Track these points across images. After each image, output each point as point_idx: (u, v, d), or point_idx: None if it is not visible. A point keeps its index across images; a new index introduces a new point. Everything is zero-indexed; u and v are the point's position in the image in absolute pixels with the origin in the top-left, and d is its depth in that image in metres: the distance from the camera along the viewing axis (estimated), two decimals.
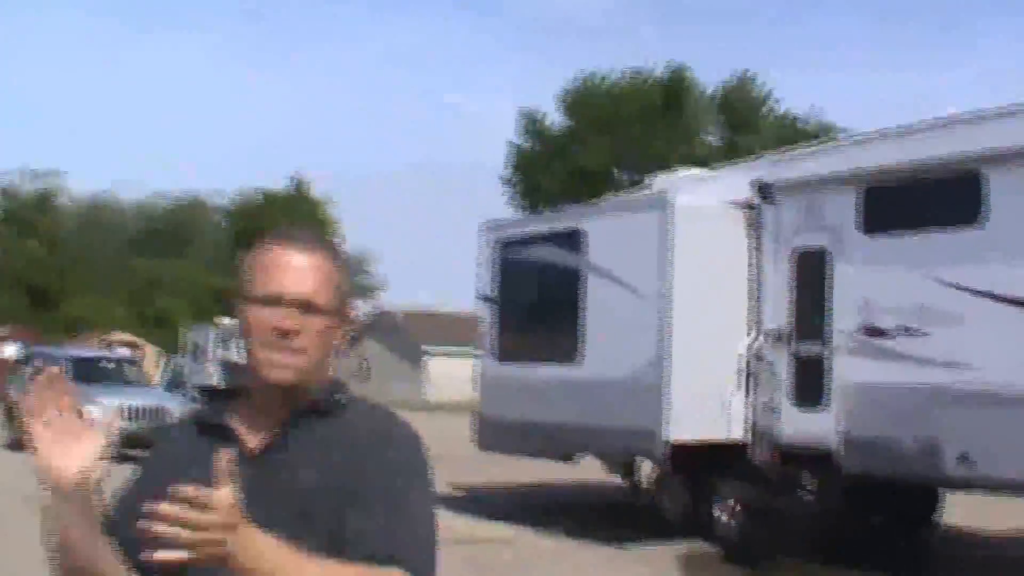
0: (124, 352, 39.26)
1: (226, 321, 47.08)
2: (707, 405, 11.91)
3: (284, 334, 2.00)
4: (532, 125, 58.61)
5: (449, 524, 13.23)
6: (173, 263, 56.07)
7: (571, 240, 13.36)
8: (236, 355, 46.42)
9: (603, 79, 57.37)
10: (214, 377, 46.58)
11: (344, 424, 2.08)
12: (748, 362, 12.14)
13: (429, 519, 2.04)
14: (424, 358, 50.49)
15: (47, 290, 53.07)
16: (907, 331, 10.73)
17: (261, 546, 1.76)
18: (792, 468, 11.85)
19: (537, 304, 14.28)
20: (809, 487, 11.75)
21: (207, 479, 1.73)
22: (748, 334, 12.18)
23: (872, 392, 11.07)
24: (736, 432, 12.10)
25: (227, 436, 2.05)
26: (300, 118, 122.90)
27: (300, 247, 2.08)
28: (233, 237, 59.16)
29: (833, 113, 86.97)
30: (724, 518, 12.41)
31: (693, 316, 11.89)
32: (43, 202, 57.19)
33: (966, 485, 11.01)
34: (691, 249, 11.96)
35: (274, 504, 1.93)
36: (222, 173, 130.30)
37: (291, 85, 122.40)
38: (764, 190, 12.19)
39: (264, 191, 61.60)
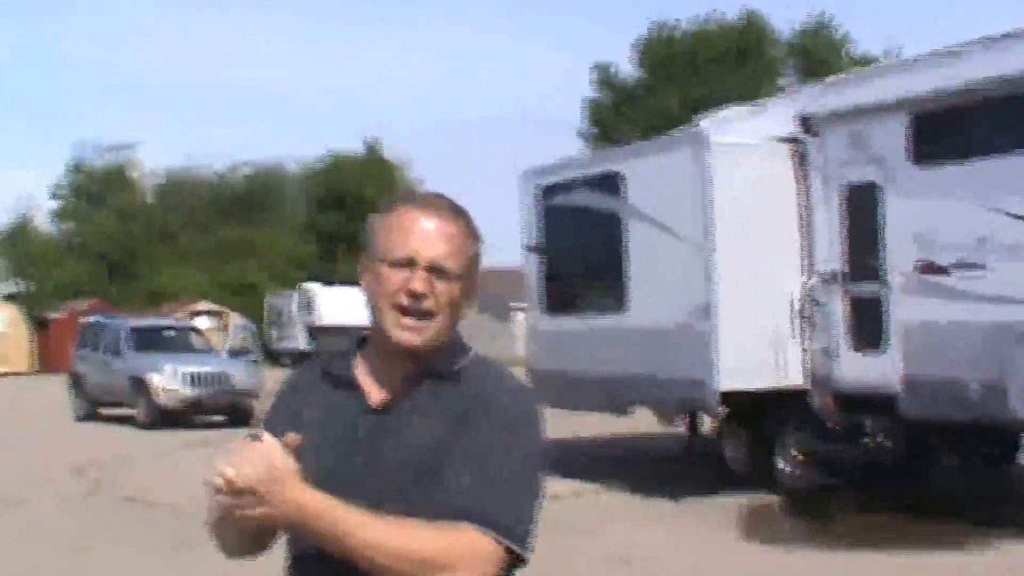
0: (202, 320, 39.61)
1: (308, 286, 47.52)
2: (760, 352, 11.36)
3: (415, 297, 2.04)
4: (606, 77, 57.60)
5: None
6: (254, 231, 56.31)
7: (610, 183, 12.81)
8: (318, 319, 46.78)
9: (676, 27, 56.19)
10: (300, 341, 47.07)
11: (461, 386, 2.11)
12: (802, 305, 11.56)
13: (522, 476, 2.05)
14: (512, 314, 50.22)
15: (126, 263, 53.71)
16: (967, 266, 10.08)
17: (314, 505, 1.89)
18: (853, 414, 11.27)
19: (581, 252, 13.74)
20: (872, 433, 11.15)
21: (326, 425, 2.10)
22: (800, 276, 11.60)
23: (932, 332, 10.46)
24: (793, 378, 11.55)
25: (351, 387, 2.14)
26: (374, 78, 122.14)
27: (434, 212, 2.11)
28: (313, 203, 59.26)
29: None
30: (786, 468, 11.92)
31: (740, 259, 11.32)
32: (117, 176, 57.81)
33: None
34: (733, 188, 11.36)
35: (388, 457, 2.05)
36: (302, 140, 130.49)
37: (364, 46, 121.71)
38: (808, 122, 11.55)
39: (337, 155, 61.42)
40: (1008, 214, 9.70)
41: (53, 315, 47.62)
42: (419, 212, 2.10)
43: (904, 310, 10.69)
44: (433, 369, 2.11)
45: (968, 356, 10.03)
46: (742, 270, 11.32)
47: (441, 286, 2.06)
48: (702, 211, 11.40)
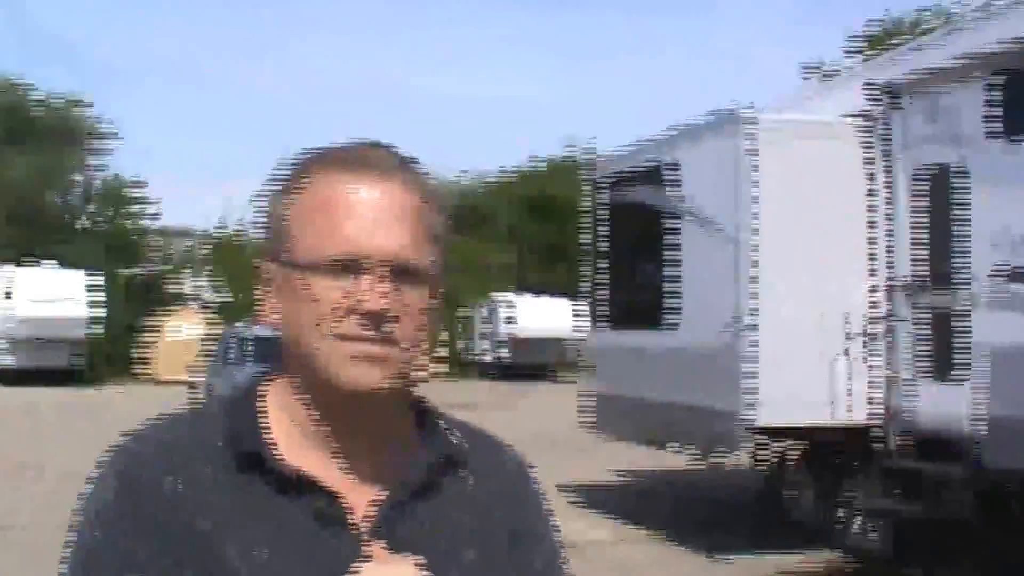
0: None
1: (506, 295, 46.50)
2: (811, 379, 9.14)
3: (372, 319, 1.28)
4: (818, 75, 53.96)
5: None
6: (459, 241, 55.81)
7: (659, 175, 10.74)
8: (515, 330, 45.66)
9: (901, 20, 52.03)
10: (497, 353, 46.13)
11: (466, 465, 1.43)
12: (866, 321, 9.27)
13: None
14: None
15: None
16: None
17: None
18: (926, 460, 8.90)
19: (632, 256, 11.73)
20: (946, 485, 8.76)
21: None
22: (864, 284, 9.29)
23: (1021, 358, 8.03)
24: (854, 413, 9.27)
25: (305, 489, 1.31)
26: (571, 84, 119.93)
27: (376, 174, 1.33)
28: (515, 210, 58.29)
29: None
30: (846, 522, 9.65)
31: (788, 263, 9.15)
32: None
33: None
34: (782, 176, 9.18)
35: None
36: (505, 148, 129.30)
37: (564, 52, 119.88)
38: (880, 94, 9.24)
39: (538, 161, 60.32)
40: None
41: None
42: (351, 178, 1.31)
43: (987, 328, 8.28)
44: (433, 443, 1.41)
45: None
46: (790, 277, 9.14)
47: (408, 295, 1.30)
48: (742, 205, 9.27)
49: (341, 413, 1.34)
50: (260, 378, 1.44)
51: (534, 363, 44.73)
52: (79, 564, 1.29)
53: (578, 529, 11.22)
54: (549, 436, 20.29)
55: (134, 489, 1.28)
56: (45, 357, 36.65)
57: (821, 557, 9.64)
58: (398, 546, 1.30)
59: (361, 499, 1.33)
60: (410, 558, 1.22)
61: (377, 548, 1.22)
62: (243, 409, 1.36)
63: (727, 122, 9.55)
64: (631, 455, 13.61)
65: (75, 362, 37.47)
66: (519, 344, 44.99)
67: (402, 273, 1.30)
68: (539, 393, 34.88)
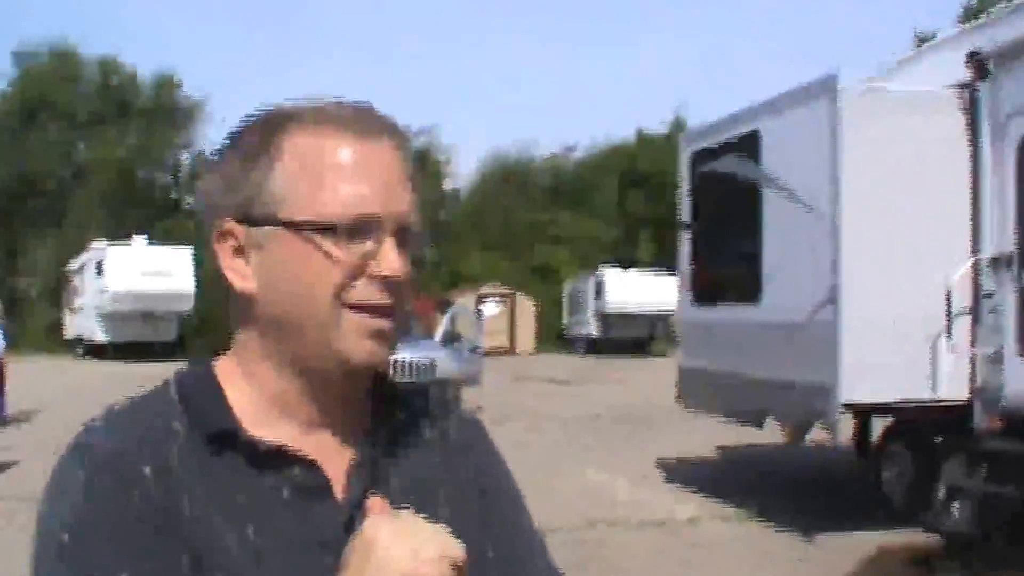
0: (488, 304, 39.01)
1: (601, 270, 46.33)
2: (903, 355, 8.92)
3: (392, 286, 1.26)
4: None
5: (627, 498, 11.36)
6: (561, 215, 55.65)
7: (749, 146, 10.53)
8: (606, 305, 45.48)
9: None
10: (591, 327, 46.06)
11: (428, 423, 1.44)
12: (965, 298, 9.01)
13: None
14: None
15: (435, 246, 54.23)
16: None
17: None
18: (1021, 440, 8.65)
19: (723, 229, 11.51)
20: None
21: (277, 553, 1.22)
22: (964, 260, 9.03)
23: None
24: (951, 390, 9.04)
25: (283, 463, 1.26)
26: (682, 56, 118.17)
27: (383, 136, 1.29)
28: (618, 185, 57.99)
29: None
30: (944, 502, 9.42)
31: (878, 236, 8.91)
32: (421, 160, 58.34)
33: None
34: (873, 147, 8.93)
35: None
36: (612, 122, 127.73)
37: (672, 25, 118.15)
38: (981, 62, 8.95)
39: (642, 135, 59.82)
40: None
41: None
42: (355, 138, 1.26)
43: None
44: (397, 399, 1.41)
45: None
46: (881, 250, 8.92)
47: (406, 260, 1.27)
48: (831, 176, 9.06)
49: (327, 384, 1.30)
50: (210, 352, 1.39)
51: (626, 338, 44.61)
52: (62, 573, 1.17)
53: (665, 505, 11.16)
54: (639, 411, 20.25)
55: (117, 482, 1.19)
56: (138, 331, 37.15)
57: (913, 536, 9.44)
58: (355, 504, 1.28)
59: (336, 466, 1.29)
60: (408, 509, 1.17)
61: (377, 501, 1.17)
62: (203, 387, 1.31)
63: (819, 91, 9.32)
64: (722, 431, 13.49)
65: (169, 337, 38.00)
66: (609, 318, 44.90)
67: (404, 237, 1.28)
68: (630, 368, 34.78)
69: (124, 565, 1.15)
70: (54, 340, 42.76)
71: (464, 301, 35.72)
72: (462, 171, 60.92)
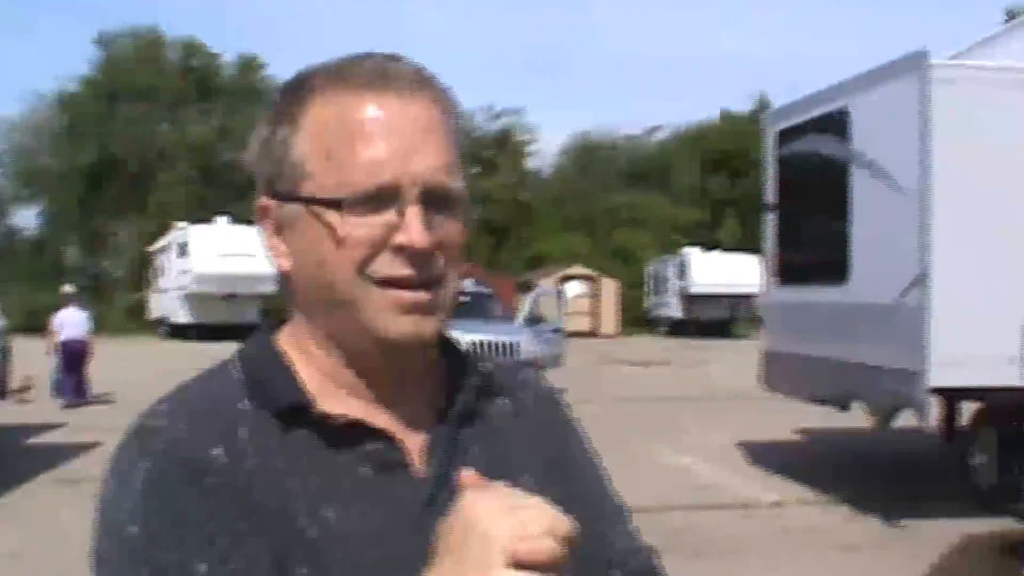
0: (572, 285, 38.96)
1: (685, 251, 46.03)
2: (994, 337, 8.74)
3: (421, 258, 1.15)
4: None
5: (710, 482, 11.27)
6: (642, 197, 55.32)
7: (836, 124, 10.35)
8: (690, 286, 45.14)
9: None
10: (674, 309, 45.81)
11: (499, 397, 1.34)
12: None
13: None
14: None
15: (510, 228, 54.25)
16: None
17: None
18: None
19: (810, 209, 11.33)
20: None
21: (362, 522, 1.16)
22: None
23: None
24: None
25: (356, 438, 1.19)
26: (767, 37, 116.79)
27: (405, 91, 1.17)
28: (701, 167, 57.55)
29: None
30: None
31: (969, 216, 8.74)
32: (504, 141, 58.40)
33: None
34: (969, 126, 8.75)
35: None
36: (694, 103, 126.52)
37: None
38: None
39: (725, 115, 59.25)
40: None
41: None
42: (374, 95, 1.16)
43: None
44: (465, 375, 1.30)
45: None
46: (971, 232, 8.74)
47: (447, 226, 1.18)
48: (920, 155, 8.87)
49: (380, 363, 1.22)
50: (269, 329, 1.30)
51: (709, 319, 44.31)
52: (132, 566, 1.09)
53: (751, 489, 11.06)
54: (721, 392, 20.11)
55: (183, 469, 1.11)
56: (221, 313, 37.02)
57: (1002, 524, 9.23)
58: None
59: (411, 440, 1.23)
60: (501, 483, 1.07)
61: (472, 476, 1.06)
62: (269, 362, 1.24)
63: (907, 68, 9.13)
64: (806, 414, 13.33)
65: (252, 318, 38.13)
66: (692, 300, 44.60)
67: (439, 202, 1.17)
68: (712, 349, 34.56)
69: (201, 556, 1.07)
70: (138, 321, 43.49)
71: (546, 283, 35.75)
72: (545, 152, 60.48)
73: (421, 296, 1.17)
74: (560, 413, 1.42)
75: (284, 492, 1.14)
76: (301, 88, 1.20)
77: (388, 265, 1.15)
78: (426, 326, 1.18)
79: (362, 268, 1.15)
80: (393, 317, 1.16)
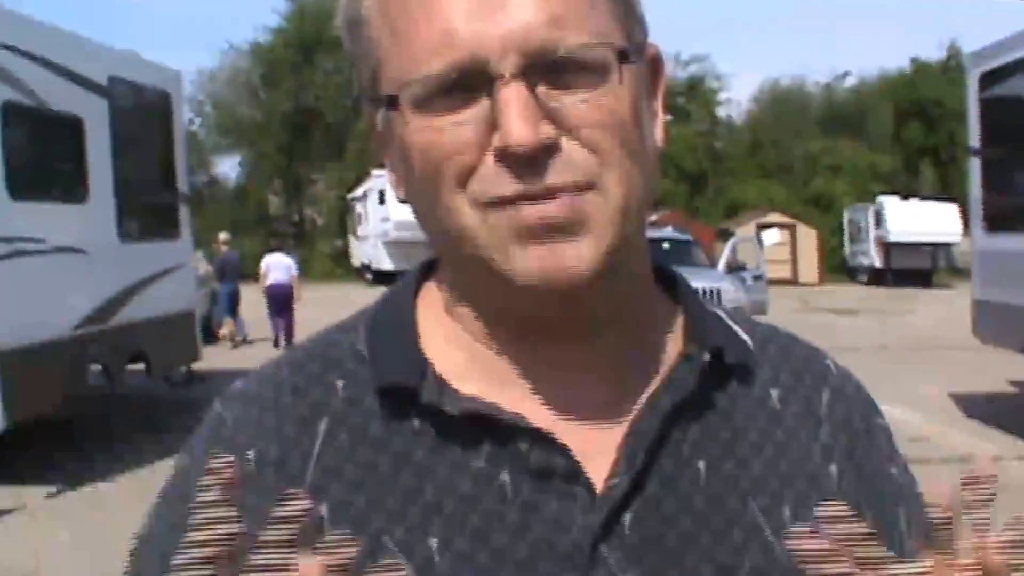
0: (770, 233, 38.30)
1: (881, 199, 44.71)
2: None
3: (529, 165, 0.78)
4: None
5: (923, 434, 11.11)
6: (840, 143, 53.94)
7: None
8: (887, 235, 43.81)
9: None
10: (873, 258, 44.58)
11: (743, 362, 0.93)
12: None
13: None
14: None
15: (706, 176, 53.55)
16: None
17: None
18: None
19: (1019, 153, 10.94)
20: None
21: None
22: None
23: None
24: None
25: (496, 434, 0.85)
26: None
27: None
28: (895, 115, 55.74)
29: None
30: None
31: None
32: (694, 88, 57.45)
33: None
34: None
35: None
36: (888, 51, 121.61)
37: None
38: None
39: (918, 63, 57.09)
40: None
41: None
42: None
43: None
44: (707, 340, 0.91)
45: None
46: None
47: (584, 103, 0.79)
48: None
49: (528, 322, 0.87)
50: (418, 276, 1.00)
51: (908, 268, 43.01)
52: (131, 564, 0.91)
53: (967, 442, 10.86)
54: (928, 343, 19.66)
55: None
56: (420, 259, 37.69)
57: None
58: (661, 507, 0.86)
59: (582, 437, 0.87)
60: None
61: (835, 506, 0.66)
62: (394, 326, 0.93)
63: None
64: (1019, 365, 12.98)
65: None
66: (889, 248, 43.34)
67: (558, 71, 0.80)
68: (914, 299, 33.67)
69: None
70: (342, 267, 44.53)
71: (744, 230, 35.37)
72: (737, 99, 59.59)
73: (549, 210, 0.79)
74: (873, 424, 0.99)
75: (369, 508, 0.85)
76: None
77: (492, 179, 0.80)
78: (569, 254, 0.80)
79: (464, 186, 0.81)
80: (515, 250, 0.81)
